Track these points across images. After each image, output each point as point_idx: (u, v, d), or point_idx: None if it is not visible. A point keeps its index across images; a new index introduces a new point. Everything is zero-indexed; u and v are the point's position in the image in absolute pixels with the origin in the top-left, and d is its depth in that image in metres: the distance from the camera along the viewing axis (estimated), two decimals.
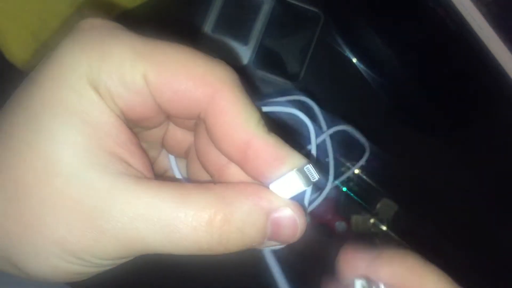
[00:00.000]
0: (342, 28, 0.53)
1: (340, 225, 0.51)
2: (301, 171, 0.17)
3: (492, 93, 0.48)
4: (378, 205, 0.52)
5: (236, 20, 0.53)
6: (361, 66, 0.52)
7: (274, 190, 0.17)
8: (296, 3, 0.52)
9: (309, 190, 0.21)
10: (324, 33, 0.52)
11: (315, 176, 0.17)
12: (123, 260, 0.18)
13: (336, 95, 0.53)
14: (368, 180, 0.52)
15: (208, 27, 0.52)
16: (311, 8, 0.52)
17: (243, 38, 0.52)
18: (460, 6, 0.46)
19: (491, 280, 0.54)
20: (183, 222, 0.16)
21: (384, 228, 0.51)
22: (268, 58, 0.52)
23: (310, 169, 0.17)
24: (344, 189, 0.52)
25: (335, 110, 0.53)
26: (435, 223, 0.53)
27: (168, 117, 0.19)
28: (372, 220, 0.51)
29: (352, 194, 0.52)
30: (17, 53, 0.48)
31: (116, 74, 0.17)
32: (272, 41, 0.52)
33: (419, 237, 0.53)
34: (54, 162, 0.16)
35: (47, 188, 0.16)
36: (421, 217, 0.53)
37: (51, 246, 0.16)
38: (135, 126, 0.19)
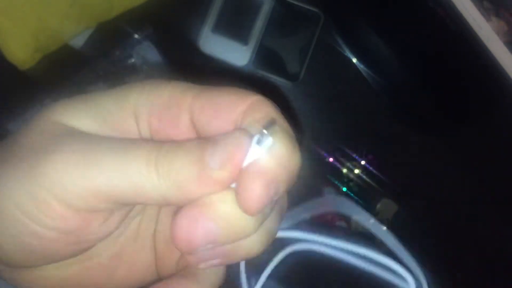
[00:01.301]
0: (342, 28, 0.53)
1: (340, 225, 0.52)
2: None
3: (492, 93, 0.49)
4: (378, 205, 0.52)
5: (236, 20, 0.53)
6: (361, 66, 0.52)
7: None
8: (296, 3, 0.52)
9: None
10: (324, 33, 0.52)
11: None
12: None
13: (336, 95, 0.53)
14: (368, 180, 0.52)
15: (208, 27, 0.52)
16: (311, 8, 0.52)
17: (243, 38, 0.52)
18: (460, 6, 0.46)
19: (491, 279, 0.54)
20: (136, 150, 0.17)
21: (384, 228, 0.51)
22: (268, 58, 0.52)
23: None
24: (344, 189, 0.52)
25: (335, 110, 0.53)
26: (435, 223, 0.53)
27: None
28: (372, 220, 0.51)
29: (352, 194, 0.52)
30: (17, 53, 0.48)
31: (165, 100, 0.18)
32: (272, 41, 0.52)
33: (419, 237, 0.53)
34: None
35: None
36: (421, 217, 0.53)
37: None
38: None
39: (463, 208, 0.54)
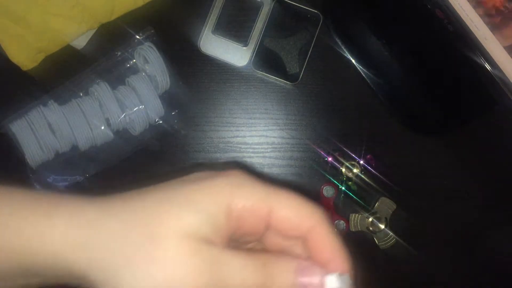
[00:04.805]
0: (341, 29, 0.53)
1: (339, 224, 0.52)
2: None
3: (489, 94, 0.49)
4: (377, 204, 0.52)
5: (236, 21, 0.53)
6: (360, 67, 0.52)
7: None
8: (295, 4, 0.53)
9: None
10: (323, 34, 0.53)
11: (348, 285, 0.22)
12: None
13: (335, 96, 0.54)
14: (366, 179, 0.52)
15: (208, 28, 0.52)
16: (310, 9, 0.53)
17: (243, 39, 0.53)
18: (458, 8, 0.46)
19: (487, 278, 0.54)
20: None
21: (382, 226, 0.52)
22: (268, 59, 0.53)
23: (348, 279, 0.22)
24: (343, 188, 0.53)
25: (334, 110, 0.54)
26: (433, 222, 0.54)
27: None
28: (370, 219, 0.52)
29: (351, 193, 0.53)
30: (20, 54, 0.49)
31: (249, 206, 0.23)
32: (271, 42, 0.53)
33: (417, 236, 0.53)
34: (161, 238, 0.21)
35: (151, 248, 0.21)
36: (419, 216, 0.53)
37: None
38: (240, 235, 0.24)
39: (460, 207, 0.54)
